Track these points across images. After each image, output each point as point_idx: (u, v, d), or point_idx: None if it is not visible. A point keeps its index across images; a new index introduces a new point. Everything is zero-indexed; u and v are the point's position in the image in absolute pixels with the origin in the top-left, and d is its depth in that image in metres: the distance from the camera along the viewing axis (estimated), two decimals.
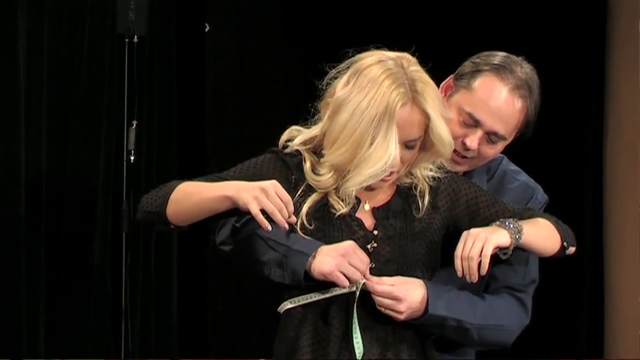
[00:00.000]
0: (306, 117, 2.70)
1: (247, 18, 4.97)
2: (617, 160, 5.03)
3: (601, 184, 5.10)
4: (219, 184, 2.59)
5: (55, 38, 4.63)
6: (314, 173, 2.63)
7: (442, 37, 4.78)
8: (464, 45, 3.07)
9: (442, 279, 2.71)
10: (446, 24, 4.92)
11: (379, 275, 2.60)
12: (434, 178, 2.69)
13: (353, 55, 2.62)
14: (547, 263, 2.92)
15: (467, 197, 2.72)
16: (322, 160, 2.61)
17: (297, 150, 2.67)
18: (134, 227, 4.59)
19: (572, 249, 2.76)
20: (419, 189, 2.67)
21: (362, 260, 2.57)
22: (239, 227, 2.68)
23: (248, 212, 2.52)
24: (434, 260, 2.70)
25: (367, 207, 2.67)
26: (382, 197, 2.68)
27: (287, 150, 2.67)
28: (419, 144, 2.60)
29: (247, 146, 4.47)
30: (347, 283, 2.55)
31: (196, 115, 4.97)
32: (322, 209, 2.64)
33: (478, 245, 2.56)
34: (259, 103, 4.95)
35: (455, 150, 2.79)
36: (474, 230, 2.60)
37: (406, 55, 2.61)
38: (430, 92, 2.56)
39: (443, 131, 2.57)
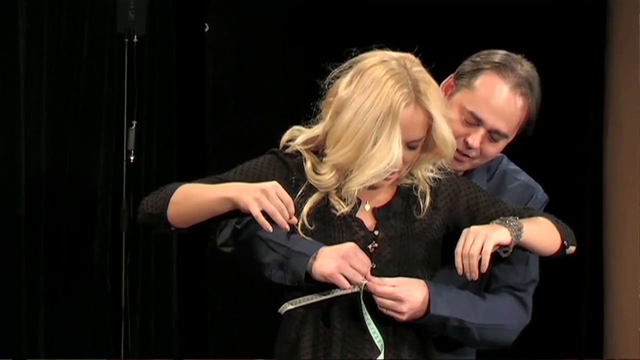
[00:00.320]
0: (307, 117, 2.69)
1: (247, 18, 4.97)
2: (617, 160, 5.03)
3: (601, 183, 5.09)
4: (220, 186, 2.59)
5: (54, 38, 4.63)
6: (315, 173, 2.63)
7: (442, 36, 4.77)
8: (464, 45, 3.07)
9: (442, 279, 2.71)
10: (446, 23, 4.92)
11: (380, 275, 2.60)
12: (434, 179, 2.69)
13: (356, 55, 2.62)
14: (547, 263, 2.93)
15: (467, 198, 2.72)
16: (324, 159, 2.61)
17: (297, 151, 2.67)
18: (134, 227, 4.59)
19: (572, 248, 2.77)
20: (419, 189, 2.67)
21: (363, 262, 2.57)
22: (240, 228, 2.68)
23: (249, 214, 2.52)
24: (434, 260, 2.70)
25: (367, 207, 2.67)
26: (383, 197, 2.68)
27: (289, 150, 2.67)
28: (421, 144, 2.60)
29: (247, 146, 4.48)
30: (347, 285, 2.55)
31: (196, 115, 4.96)
32: (323, 209, 2.64)
33: (478, 242, 2.56)
34: (258, 103, 4.94)
35: (457, 149, 2.80)
36: (474, 228, 2.61)
37: (409, 55, 2.62)
38: (433, 92, 2.57)
39: (446, 132, 2.58)
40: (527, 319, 2.86)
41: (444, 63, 2.89)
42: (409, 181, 2.68)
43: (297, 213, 2.58)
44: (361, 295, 2.58)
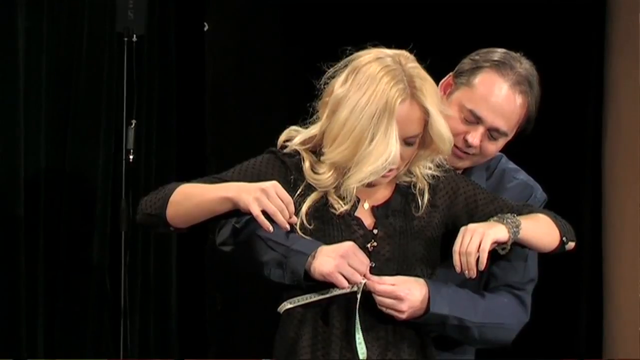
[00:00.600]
0: (305, 117, 2.69)
1: (246, 17, 4.97)
2: (617, 159, 5.03)
3: (600, 183, 5.09)
4: (219, 186, 2.59)
5: (54, 37, 4.62)
6: (314, 172, 2.63)
7: (441, 35, 4.77)
8: (463, 44, 3.07)
9: (441, 277, 2.72)
10: (445, 22, 4.92)
11: (379, 274, 2.60)
12: (432, 176, 2.69)
13: (351, 54, 2.62)
14: (546, 263, 2.93)
15: (465, 195, 2.72)
16: (322, 158, 2.61)
17: (296, 150, 2.67)
18: (133, 226, 4.59)
19: (571, 244, 2.77)
20: (418, 187, 2.67)
21: (361, 261, 2.57)
22: (239, 227, 2.68)
23: (249, 214, 2.52)
24: (433, 258, 2.70)
25: (366, 206, 2.67)
26: (382, 196, 2.69)
27: (286, 150, 2.67)
28: (419, 140, 2.60)
29: (246, 145, 4.47)
30: (346, 284, 2.55)
31: (195, 114, 4.96)
32: (322, 208, 2.64)
33: (476, 240, 2.56)
34: (258, 102, 4.94)
35: (457, 147, 2.80)
36: (471, 226, 2.61)
37: (404, 52, 2.61)
38: (428, 88, 2.56)
39: (442, 127, 2.57)
40: (526, 317, 2.86)
41: (443, 61, 2.90)
42: (408, 179, 2.68)
43: (296, 212, 2.58)
44: (358, 297, 2.58)
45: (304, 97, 2.70)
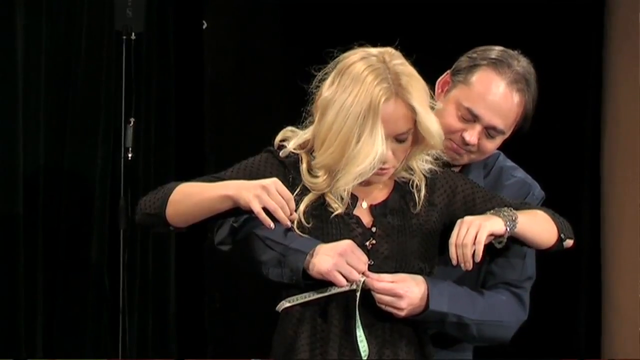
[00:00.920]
0: (301, 116, 2.69)
1: (245, 15, 4.96)
2: (615, 158, 5.03)
3: (599, 181, 5.09)
4: (219, 184, 2.59)
5: (52, 35, 4.62)
6: (310, 175, 2.63)
7: (440, 33, 4.77)
8: (461, 41, 3.07)
9: (439, 274, 2.72)
10: (443, 20, 4.92)
11: (378, 272, 2.61)
12: (431, 171, 2.69)
13: (338, 55, 2.62)
14: (545, 262, 2.93)
15: (463, 194, 2.72)
16: (313, 162, 2.62)
17: (294, 152, 2.67)
18: (132, 224, 4.58)
19: (569, 242, 2.77)
20: (415, 184, 2.67)
21: (360, 259, 2.57)
22: (237, 227, 2.68)
23: (249, 211, 2.52)
24: (432, 256, 2.70)
25: (364, 204, 2.68)
26: (380, 194, 2.69)
27: (282, 154, 2.67)
28: (411, 136, 2.59)
29: (245, 143, 4.44)
30: (344, 283, 2.55)
31: (194, 112, 4.96)
32: (320, 207, 2.64)
33: (472, 232, 2.57)
34: (257, 100, 4.94)
35: (455, 144, 2.80)
36: (467, 218, 2.61)
37: (389, 49, 2.61)
38: (414, 84, 2.56)
39: (431, 123, 2.57)
40: (524, 315, 2.87)
41: (441, 59, 2.90)
42: (407, 175, 2.68)
43: (295, 211, 2.58)
44: (358, 294, 2.58)
45: (303, 95, 2.70)
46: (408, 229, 2.65)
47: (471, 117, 2.81)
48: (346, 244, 2.57)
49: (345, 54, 2.61)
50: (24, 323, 4.46)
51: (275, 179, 2.55)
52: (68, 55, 4.66)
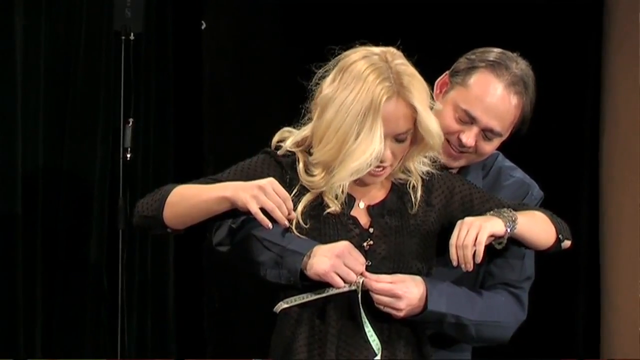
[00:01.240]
0: (303, 113, 2.70)
1: (244, 15, 4.97)
2: (614, 158, 5.03)
3: (598, 181, 5.09)
4: (216, 185, 2.59)
5: (52, 35, 4.62)
6: (307, 174, 2.63)
7: (439, 34, 4.77)
8: (461, 42, 3.07)
9: (437, 275, 2.71)
10: (443, 21, 4.92)
11: (376, 272, 2.60)
12: (428, 172, 2.69)
13: (339, 54, 2.62)
14: (544, 262, 2.93)
15: (461, 195, 2.72)
16: (310, 159, 2.62)
17: (291, 151, 2.67)
18: (131, 224, 4.58)
19: (567, 243, 2.77)
20: (412, 184, 2.67)
21: (357, 260, 2.56)
22: (235, 228, 2.68)
23: (247, 212, 2.52)
24: (429, 256, 2.70)
25: (362, 205, 2.67)
26: (377, 195, 2.69)
27: (280, 152, 2.67)
28: (410, 137, 2.60)
29: (244, 143, 4.46)
30: (342, 284, 2.55)
31: (193, 112, 4.96)
32: (318, 207, 2.64)
33: (472, 233, 2.57)
34: (255, 100, 4.94)
35: (452, 146, 2.80)
36: (468, 219, 2.61)
37: (391, 49, 2.61)
38: (416, 84, 2.56)
39: (431, 123, 2.57)
40: (523, 315, 2.86)
41: (440, 60, 2.90)
42: (404, 176, 2.68)
43: (294, 211, 2.58)
44: (359, 294, 2.58)
45: (302, 95, 2.70)
46: (406, 229, 2.65)
47: (468, 119, 2.80)
48: (343, 245, 2.57)
49: (347, 52, 2.61)
50: (23, 323, 4.47)
51: (271, 179, 2.56)
52: (67, 56, 4.67)
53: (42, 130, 4.58)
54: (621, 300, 4.95)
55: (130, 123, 4.66)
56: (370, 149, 2.50)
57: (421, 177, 2.69)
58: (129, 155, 4.65)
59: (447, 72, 2.90)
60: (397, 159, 2.61)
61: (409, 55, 2.61)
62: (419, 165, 2.68)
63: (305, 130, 2.66)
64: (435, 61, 2.79)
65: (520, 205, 2.76)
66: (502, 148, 2.94)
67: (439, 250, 2.70)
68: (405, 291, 2.60)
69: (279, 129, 2.73)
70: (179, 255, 4.93)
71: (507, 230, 2.62)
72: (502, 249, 2.71)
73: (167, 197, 2.62)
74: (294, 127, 2.70)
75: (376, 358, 2.57)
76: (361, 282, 2.58)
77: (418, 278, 2.65)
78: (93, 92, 4.69)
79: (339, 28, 4.69)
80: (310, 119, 2.65)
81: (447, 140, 2.79)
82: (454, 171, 2.85)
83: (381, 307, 2.60)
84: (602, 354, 5.02)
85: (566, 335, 5.08)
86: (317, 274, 2.54)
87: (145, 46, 4.83)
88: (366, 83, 2.52)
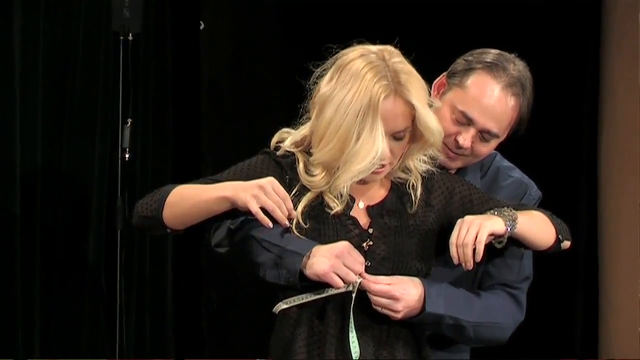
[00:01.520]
0: (301, 113, 2.69)
1: (243, 15, 4.97)
2: (612, 158, 5.03)
3: (596, 181, 5.09)
4: (216, 185, 2.59)
5: (50, 35, 4.62)
6: (307, 174, 2.63)
7: (436, 35, 4.78)
8: (459, 41, 3.07)
9: (436, 275, 2.71)
10: (440, 22, 4.92)
11: (375, 273, 2.60)
12: (428, 171, 2.69)
13: (337, 52, 2.62)
14: (542, 262, 2.93)
15: (461, 195, 2.72)
16: (311, 159, 2.61)
17: (290, 151, 2.67)
18: (129, 224, 4.57)
19: (567, 243, 2.77)
20: (411, 183, 2.67)
21: (356, 260, 2.56)
22: (234, 229, 2.67)
23: (247, 212, 2.52)
24: (429, 257, 2.69)
25: (361, 205, 2.67)
26: (377, 195, 2.69)
27: (279, 153, 2.67)
28: (409, 135, 2.59)
29: (242, 143, 4.48)
30: (341, 284, 2.54)
31: (191, 112, 4.96)
32: (317, 207, 2.64)
33: (472, 231, 2.57)
34: (254, 100, 4.94)
35: (448, 147, 2.80)
36: (468, 218, 2.61)
37: (388, 47, 2.61)
38: (413, 82, 2.56)
39: (430, 120, 2.57)
40: (521, 316, 2.86)
41: (438, 60, 2.89)
42: (404, 175, 2.68)
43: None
44: (353, 296, 2.57)
45: (301, 95, 2.70)
46: (405, 229, 2.65)
47: (465, 121, 2.80)
48: (343, 245, 2.56)
49: (345, 51, 2.61)
50: (21, 323, 4.47)
51: (271, 178, 2.56)
52: (65, 56, 4.67)
53: (41, 130, 4.58)
54: (620, 301, 4.95)
55: (129, 123, 4.65)
56: (373, 150, 2.50)
57: (421, 177, 2.69)
58: (127, 156, 4.65)
59: (444, 73, 2.89)
60: (397, 157, 2.61)
61: (406, 54, 2.62)
62: (419, 164, 2.68)
63: (304, 130, 2.66)
64: (433, 61, 2.79)
65: (520, 206, 2.76)
66: (500, 148, 2.94)
67: (438, 251, 2.69)
68: (403, 293, 2.60)
69: (278, 129, 2.73)
70: (178, 256, 4.93)
71: (507, 229, 2.62)
72: (501, 250, 2.71)
73: (166, 198, 2.62)
74: (293, 127, 2.70)
75: None
76: (358, 283, 2.57)
77: (416, 279, 2.64)
78: (91, 92, 4.69)
79: (337, 27, 4.69)
80: (308, 118, 2.65)
81: (444, 142, 2.78)
82: (452, 172, 2.85)
83: (379, 309, 2.60)
84: (600, 354, 5.02)
85: (565, 335, 5.09)
86: (316, 274, 2.54)
87: (144, 46, 4.83)
88: (364, 81, 2.52)
